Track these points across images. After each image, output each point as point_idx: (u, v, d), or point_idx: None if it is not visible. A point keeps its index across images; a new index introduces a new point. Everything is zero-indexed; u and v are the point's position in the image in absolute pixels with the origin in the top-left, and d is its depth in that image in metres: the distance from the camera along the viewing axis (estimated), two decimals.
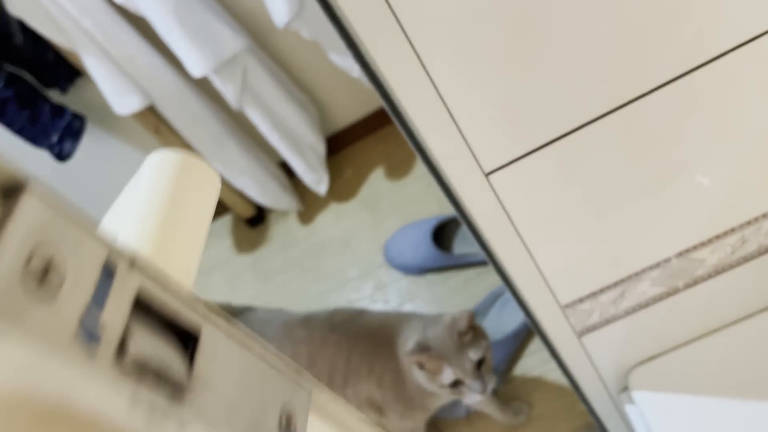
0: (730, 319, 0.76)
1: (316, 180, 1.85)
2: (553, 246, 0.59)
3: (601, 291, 0.66)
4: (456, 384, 1.06)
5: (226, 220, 2.13)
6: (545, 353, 1.41)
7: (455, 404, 1.38)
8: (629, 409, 0.84)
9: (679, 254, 0.65)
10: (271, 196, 1.87)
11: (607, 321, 0.71)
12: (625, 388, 0.84)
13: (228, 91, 1.61)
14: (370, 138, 2.03)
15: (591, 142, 0.52)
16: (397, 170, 1.91)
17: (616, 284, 0.66)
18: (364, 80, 1.67)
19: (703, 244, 0.64)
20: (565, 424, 1.32)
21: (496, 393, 1.38)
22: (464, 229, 1.67)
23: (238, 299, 1.89)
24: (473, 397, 1.08)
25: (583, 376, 0.80)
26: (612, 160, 0.54)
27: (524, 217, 0.55)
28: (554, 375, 1.38)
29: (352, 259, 1.80)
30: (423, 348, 1.04)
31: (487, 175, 0.51)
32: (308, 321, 1.26)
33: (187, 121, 1.68)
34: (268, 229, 2.03)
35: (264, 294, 1.87)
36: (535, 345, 1.44)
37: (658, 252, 0.64)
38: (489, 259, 0.63)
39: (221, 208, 2.10)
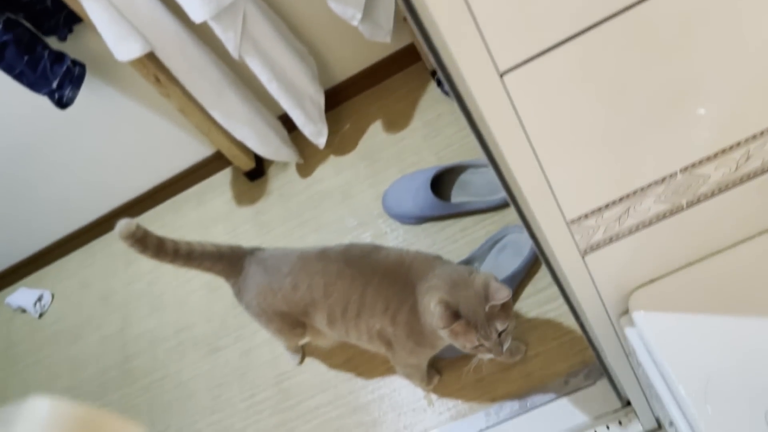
0: (731, 241, 0.78)
1: (316, 132, 1.85)
2: (563, 156, 0.61)
3: (607, 207, 0.68)
4: (476, 347, 1.08)
5: (226, 174, 2.13)
6: (541, 296, 1.44)
7: None
8: (629, 332, 0.86)
9: (685, 169, 0.66)
10: (271, 148, 1.88)
11: (611, 239, 0.73)
12: (626, 312, 0.86)
13: (228, 38, 1.60)
14: (368, 92, 2.03)
15: (602, 45, 0.53)
16: (396, 124, 1.92)
17: (621, 200, 0.68)
18: (364, 30, 1.67)
19: (708, 159, 0.66)
20: (560, 362, 1.35)
21: None
22: (461, 178, 1.69)
23: None
24: (487, 356, 1.11)
25: (584, 298, 0.82)
26: (622, 65, 0.55)
27: (536, 123, 0.57)
28: (551, 316, 1.41)
29: (350, 209, 1.82)
30: (452, 312, 1.04)
31: (502, 75, 0.52)
32: (324, 254, 1.27)
33: (187, 70, 1.67)
34: (268, 182, 2.04)
35: (264, 245, 1.88)
36: (532, 288, 1.46)
37: (663, 166, 0.66)
38: (496, 170, 0.65)
39: (221, 162, 2.11)
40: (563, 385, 1.32)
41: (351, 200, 1.84)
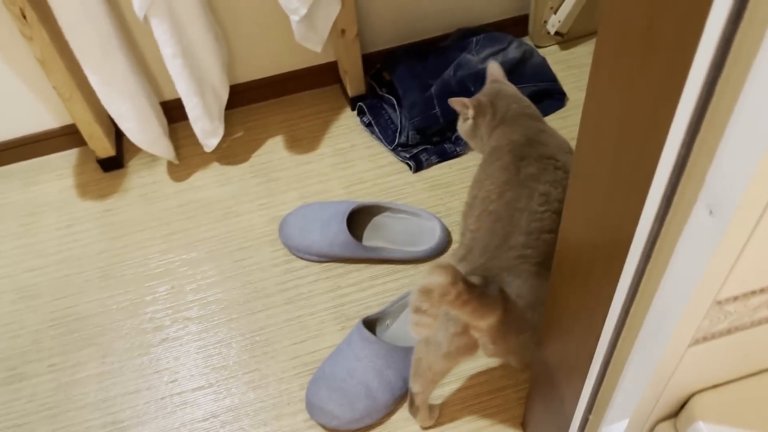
0: None
1: (210, 130, 1.55)
2: None
3: (763, 290, 0.54)
4: None
5: (71, 155, 1.71)
6: (460, 368, 1.26)
7: None
8: None
9: None
10: (148, 136, 1.53)
11: (728, 332, 0.59)
12: (669, 417, 0.72)
13: None
14: (272, 102, 1.78)
15: None
16: (300, 143, 1.68)
17: None
18: (298, 30, 1.44)
19: None
20: None
21: None
22: (376, 220, 1.49)
23: (76, 252, 1.51)
24: None
25: (637, 394, 0.67)
26: None
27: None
28: (475, 391, 1.24)
29: (234, 229, 1.52)
30: None
31: None
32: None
33: (72, 12, 1.30)
34: (127, 176, 1.66)
35: (113, 251, 1.51)
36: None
37: None
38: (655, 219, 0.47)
39: (68, 139, 1.69)
40: None
41: (236, 219, 1.54)
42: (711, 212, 0.46)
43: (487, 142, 1.18)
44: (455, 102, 1.21)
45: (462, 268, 0.94)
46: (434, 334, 0.96)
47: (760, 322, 0.59)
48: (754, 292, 0.54)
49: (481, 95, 1.23)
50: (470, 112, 1.20)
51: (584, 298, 0.71)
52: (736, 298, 0.54)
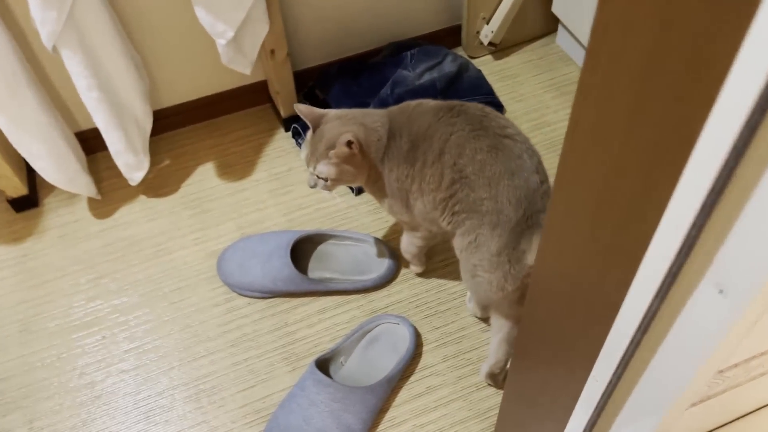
0: None
1: (134, 164, 1.44)
2: None
3: (763, 354, 0.51)
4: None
5: None
6: (418, 404, 1.22)
7: None
8: None
9: None
10: (66, 175, 1.40)
11: (723, 391, 0.56)
12: None
13: (46, 19, 1.17)
14: (199, 126, 1.68)
15: None
16: (233, 169, 1.59)
17: None
18: (225, 54, 1.36)
19: None
20: None
21: None
22: (321, 249, 1.42)
23: None
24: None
25: None
26: None
27: None
28: (437, 426, 1.20)
29: (167, 268, 1.42)
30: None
31: None
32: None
33: None
34: (43, 215, 1.52)
35: (33, 301, 1.38)
36: (406, 393, 1.24)
37: None
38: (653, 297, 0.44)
39: None
40: None
41: (169, 257, 1.44)
42: (721, 291, 0.42)
43: (388, 160, 1.12)
44: (342, 150, 1.08)
45: (502, 229, 1.02)
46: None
47: (754, 378, 0.56)
48: (754, 357, 0.51)
49: (351, 127, 1.10)
50: (356, 148, 1.08)
51: (559, 364, 0.67)
52: (736, 365, 0.51)
